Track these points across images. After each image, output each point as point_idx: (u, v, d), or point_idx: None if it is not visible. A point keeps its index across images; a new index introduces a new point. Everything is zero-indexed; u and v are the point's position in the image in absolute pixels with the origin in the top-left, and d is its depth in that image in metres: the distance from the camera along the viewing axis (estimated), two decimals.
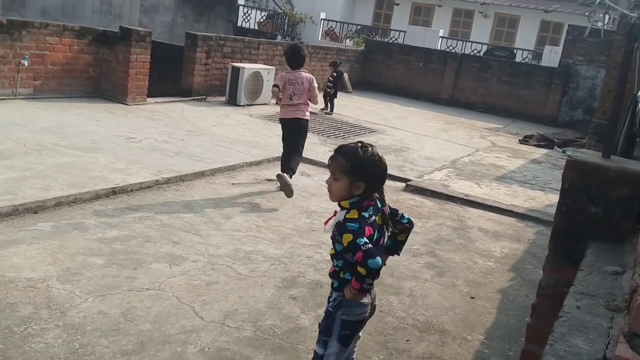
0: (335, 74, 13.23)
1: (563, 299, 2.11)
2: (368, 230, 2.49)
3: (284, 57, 7.01)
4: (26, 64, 8.88)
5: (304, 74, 6.79)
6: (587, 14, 15.64)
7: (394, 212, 2.72)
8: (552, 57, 17.69)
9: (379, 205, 2.62)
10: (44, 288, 3.79)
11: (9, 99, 8.77)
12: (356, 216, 2.50)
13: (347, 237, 2.46)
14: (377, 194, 2.61)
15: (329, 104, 13.09)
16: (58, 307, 3.59)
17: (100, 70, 10.12)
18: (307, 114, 6.91)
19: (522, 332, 3.86)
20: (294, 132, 6.80)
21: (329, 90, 13.05)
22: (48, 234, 4.65)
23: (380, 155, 2.58)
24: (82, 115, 8.64)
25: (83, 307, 3.64)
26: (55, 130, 7.54)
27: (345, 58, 17.89)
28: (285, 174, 6.47)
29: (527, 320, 2.96)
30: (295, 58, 6.75)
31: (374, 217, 2.57)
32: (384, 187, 2.64)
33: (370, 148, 2.57)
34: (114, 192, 5.76)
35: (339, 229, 2.50)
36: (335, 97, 13.24)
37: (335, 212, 2.62)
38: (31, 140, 6.85)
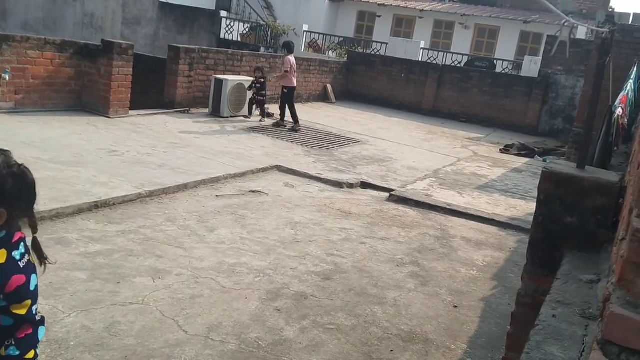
0: (263, 80, 12.26)
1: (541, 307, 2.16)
2: (18, 279, 1.73)
3: (286, 47, 12.11)
4: (7, 78, 8.83)
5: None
6: (555, 33, 15.94)
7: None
8: (531, 67, 17.94)
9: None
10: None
11: None
12: (4, 260, 1.72)
13: None
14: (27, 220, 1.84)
15: (262, 111, 12.41)
16: None
17: (82, 83, 10.09)
18: None
19: (504, 341, 3.91)
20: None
21: (261, 98, 12.27)
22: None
23: (19, 163, 1.87)
24: (64, 129, 8.60)
25: (66, 322, 3.63)
26: (37, 144, 7.51)
27: (328, 69, 18.00)
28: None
29: (509, 329, 3.01)
30: (293, 47, 12.17)
31: (27, 258, 1.82)
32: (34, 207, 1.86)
33: (2, 156, 1.82)
34: (96, 206, 5.74)
35: None
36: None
37: None
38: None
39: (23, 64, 9.14)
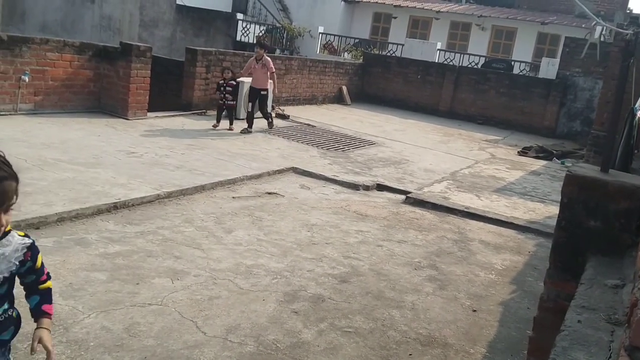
0: (234, 82, 11.10)
1: (564, 312, 2.13)
2: None
3: (264, 48, 11.09)
4: (27, 79, 8.93)
5: None
6: (585, 35, 15.81)
7: None
8: (549, 68, 17.79)
9: None
10: None
11: (10, 114, 8.82)
12: None
13: (40, 257, 2.13)
14: None
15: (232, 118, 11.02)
16: (61, 322, 3.60)
17: (100, 85, 10.18)
18: None
19: (524, 345, 3.87)
20: None
21: (231, 102, 10.97)
22: (50, 250, 4.66)
23: None
24: (83, 131, 8.68)
25: (86, 323, 3.65)
26: (57, 145, 7.58)
27: (343, 71, 17.99)
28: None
29: (528, 333, 2.98)
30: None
31: None
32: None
33: None
34: (115, 207, 5.78)
35: (34, 251, 2.10)
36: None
37: None
38: (32, 155, 6.89)
39: (42, 65, 9.24)
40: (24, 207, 5.23)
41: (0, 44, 8.62)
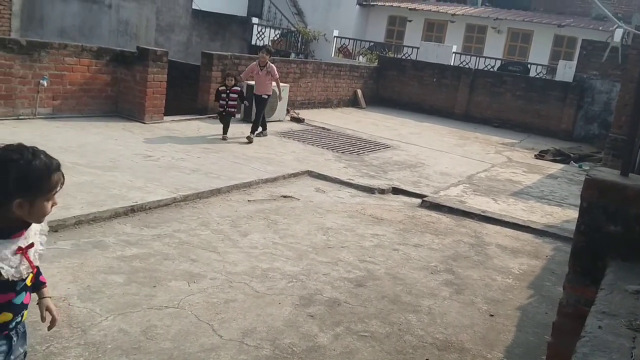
0: (239, 89, 10.35)
1: (584, 318, 2.11)
2: None
3: (269, 54, 10.57)
4: (45, 84, 9.04)
5: None
6: (606, 39, 15.67)
7: None
8: (566, 71, 17.63)
9: None
10: (65, 306, 3.83)
11: (29, 118, 8.93)
12: None
13: None
14: None
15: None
16: (79, 325, 3.63)
17: (118, 89, 10.27)
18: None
19: (542, 350, 3.83)
20: None
21: (232, 110, 10.20)
22: (69, 253, 4.70)
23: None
24: (101, 134, 8.76)
25: (104, 325, 3.68)
26: (74, 149, 7.65)
27: (358, 74, 17.99)
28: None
29: (547, 339, 2.95)
30: None
31: None
32: None
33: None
34: (132, 210, 5.83)
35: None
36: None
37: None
38: None
39: (60, 70, 9.35)
40: None
41: (20, 49, 8.74)
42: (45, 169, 1.91)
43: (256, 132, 10.39)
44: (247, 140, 9.96)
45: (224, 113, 10.02)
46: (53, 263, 4.44)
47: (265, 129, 10.85)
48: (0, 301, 1.93)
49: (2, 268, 1.90)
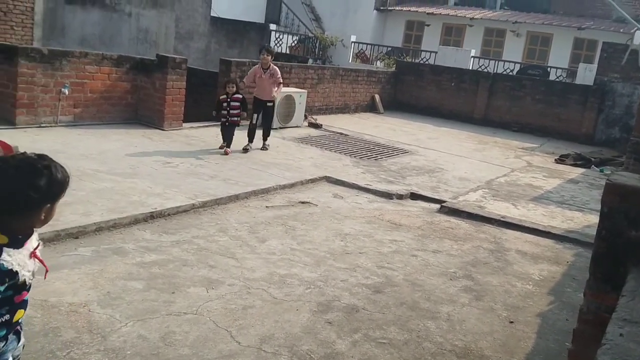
0: (241, 96, 9.45)
1: (605, 325, 2.08)
2: None
3: (271, 54, 9.78)
4: (67, 92, 9.17)
5: None
6: (626, 41, 15.49)
7: None
8: (586, 74, 17.44)
9: None
10: (86, 312, 3.87)
11: (50, 126, 9.06)
12: None
13: None
14: None
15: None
16: (99, 331, 3.66)
17: (137, 97, 10.38)
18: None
19: (563, 358, 3.78)
20: None
21: (235, 119, 9.34)
22: (89, 259, 4.76)
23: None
24: (121, 142, 8.86)
25: (123, 332, 3.71)
26: (95, 156, 7.75)
27: (376, 80, 17.97)
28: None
29: (567, 346, 2.91)
30: None
31: None
32: None
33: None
34: (152, 216, 5.87)
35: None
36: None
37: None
38: (72, 166, 6.98)
39: (81, 78, 9.47)
40: (63, 217, 5.35)
41: (41, 58, 8.88)
42: (66, 175, 2.03)
43: (262, 142, 9.82)
44: (264, 149, 9.73)
45: (227, 124, 9.22)
46: (74, 269, 4.49)
47: (268, 136, 10.01)
48: (16, 301, 2.00)
49: (24, 275, 1.98)
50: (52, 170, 1.97)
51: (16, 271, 1.93)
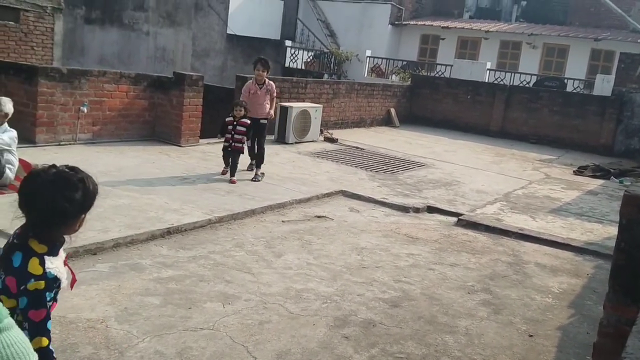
0: (249, 121, 8.56)
1: (626, 338, 2.04)
2: None
3: (266, 68, 8.92)
4: (85, 110, 9.30)
5: None
6: None
7: None
8: (604, 85, 17.30)
9: None
10: (103, 328, 3.89)
11: (70, 144, 9.18)
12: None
13: None
14: None
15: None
16: (116, 347, 3.68)
17: (155, 114, 10.49)
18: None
19: None
20: None
21: (240, 145, 8.47)
22: (107, 275, 4.79)
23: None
24: (138, 158, 8.94)
25: (140, 347, 3.72)
26: (113, 172, 7.83)
27: (391, 93, 17.98)
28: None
29: (588, 359, 2.86)
30: None
31: None
32: None
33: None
34: (168, 232, 5.91)
35: None
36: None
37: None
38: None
39: (100, 96, 9.61)
40: (82, 234, 5.40)
41: (61, 77, 9.03)
42: (96, 186, 2.15)
43: (255, 169, 8.78)
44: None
45: (229, 149, 8.40)
46: (91, 285, 4.53)
47: (262, 163, 8.84)
48: (52, 310, 2.05)
49: (63, 282, 2.08)
50: (85, 183, 2.08)
51: (59, 278, 2.03)
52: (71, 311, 4.07)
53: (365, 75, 21.72)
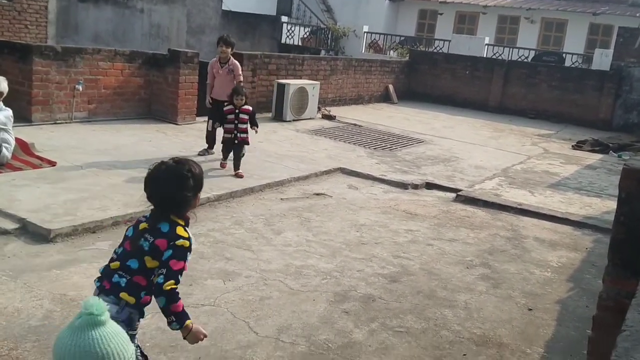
0: (250, 108, 7.74)
1: (625, 311, 2.05)
2: None
3: (230, 46, 8.32)
4: (81, 88, 9.22)
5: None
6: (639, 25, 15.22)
7: None
8: (603, 60, 17.21)
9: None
10: None
11: (66, 122, 9.13)
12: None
13: None
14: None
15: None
16: None
17: (150, 92, 10.42)
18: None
19: (583, 345, 3.75)
20: None
21: (244, 135, 7.61)
22: (106, 253, 4.77)
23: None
24: (135, 137, 8.90)
25: (142, 324, 3.70)
26: (110, 151, 7.80)
27: (389, 70, 17.87)
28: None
29: (588, 333, 2.88)
30: None
31: None
32: None
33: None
34: None
35: None
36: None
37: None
38: (87, 162, 7.11)
39: (95, 75, 9.53)
40: (80, 212, 5.40)
41: (55, 55, 8.94)
42: (200, 167, 2.72)
43: (204, 149, 8.35)
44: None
45: (235, 142, 7.54)
46: (92, 263, 4.53)
47: (213, 147, 8.35)
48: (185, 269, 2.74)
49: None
50: (192, 170, 2.61)
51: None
52: (72, 289, 4.08)
53: (363, 51, 21.56)
